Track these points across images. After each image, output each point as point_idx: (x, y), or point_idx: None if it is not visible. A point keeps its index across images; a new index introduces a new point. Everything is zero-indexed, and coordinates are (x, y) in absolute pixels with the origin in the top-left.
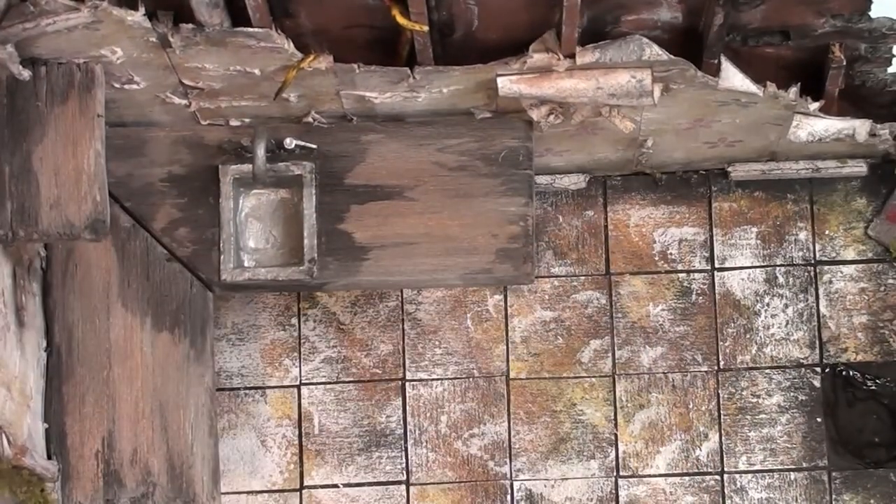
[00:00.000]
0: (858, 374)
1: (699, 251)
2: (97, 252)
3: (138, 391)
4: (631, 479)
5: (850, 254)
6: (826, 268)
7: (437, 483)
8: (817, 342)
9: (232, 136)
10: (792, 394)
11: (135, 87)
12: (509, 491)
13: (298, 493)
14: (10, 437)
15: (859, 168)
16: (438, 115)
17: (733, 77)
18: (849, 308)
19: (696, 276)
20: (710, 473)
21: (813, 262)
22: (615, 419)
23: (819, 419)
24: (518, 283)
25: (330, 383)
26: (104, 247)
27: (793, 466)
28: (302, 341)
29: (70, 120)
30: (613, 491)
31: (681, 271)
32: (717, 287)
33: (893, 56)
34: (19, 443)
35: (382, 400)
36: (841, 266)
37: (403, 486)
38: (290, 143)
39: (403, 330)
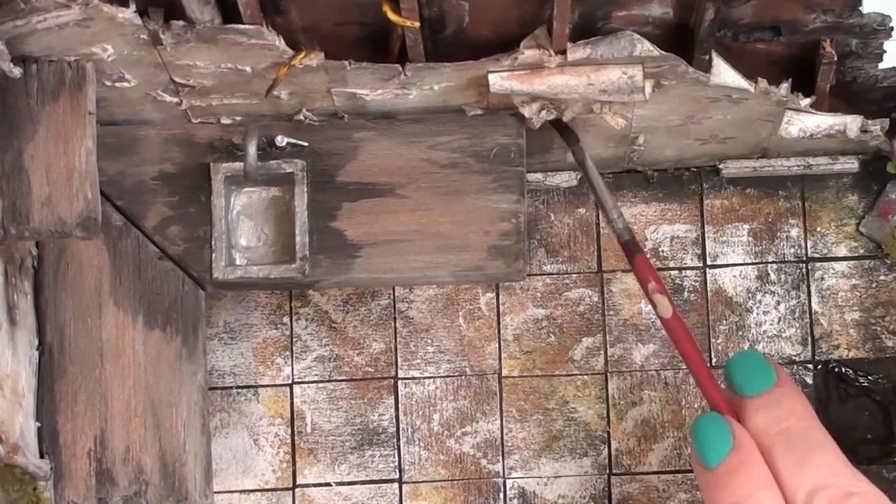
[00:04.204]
0: (851, 371)
1: (691, 248)
2: (89, 250)
3: (130, 389)
4: (624, 477)
5: (841, 250)
6: (818, 264)
7: (430, 481)
8: (809, 339)
9: (223, 134)
10: None
11: (126, 84)
12: (502, 489)
13: (291, 491)
14: (2, 435)
15: (851, 165)
16: (430, 112)
17: (724, 73)
18: (841, 305)
19: (688, 273)
20: None
21: (805, 258)
22: (608, 417)
23: None
24: (510, 280)
25: (322, 382)
26: (96, 245)
27: None
28: (294, 340)
29: (61, 117)
30: (606, 488)
31: (672, 269)
32: (708, 284)
33: (885, 52)
34: (11, 441)
35: (375, 398)
36: (833, 263)
37: (396, 485)
38: (281, 140)
39: (395, 328)
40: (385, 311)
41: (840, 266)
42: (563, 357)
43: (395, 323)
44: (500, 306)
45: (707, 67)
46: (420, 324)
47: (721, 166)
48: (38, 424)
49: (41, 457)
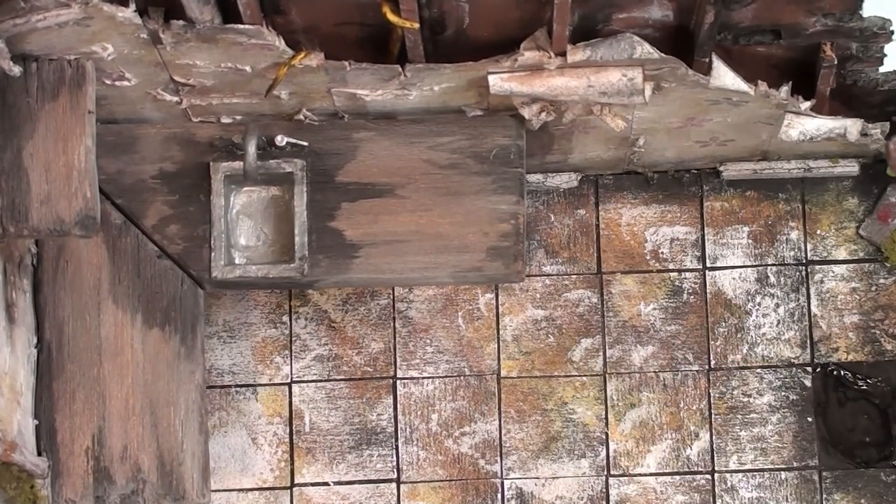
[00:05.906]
0: (849, 374)
1: (690, 250)
2: (88, 249)
3: (128, 388)
4: (621, 479)
5: (841, 253)
6: (817, 267)
7: (428, 481)
8: (808, 342)
9: (223, 134)
10: (783, 393)
11: (126, 83)
12: (500, 489)
13: (289, 490)
14: (0, 433)
15: (851, 168)
16: (430, 113)
17: (724, 76)
18: (840, 308)
19: (688, 275)
20: (700, 473)
21: (804, 261)
22: (606, 418)
23: (810, 419)
24: (509, 282)
25: (321, 381)
26: (95, 243)
27: (783, 466)
28: (293, 339)
29: (61, 116)
30: (604, 490)
31: (672, 270)
32: (708, 286)
33: (885, 55)
34: (9, 439)
35: (373, 398)
36: (832, 266)
37: (394, 485)
38: (281, 140)
39: (395, 328)
40: (384, 311)
41: (840, 269)
42: (562, 358)
43: (394, 323)
44: (500, 307)
45: (707, 70)
46: (419, 324)
47: (721, 168)
48: (37, 422)
49: (39, 454)
